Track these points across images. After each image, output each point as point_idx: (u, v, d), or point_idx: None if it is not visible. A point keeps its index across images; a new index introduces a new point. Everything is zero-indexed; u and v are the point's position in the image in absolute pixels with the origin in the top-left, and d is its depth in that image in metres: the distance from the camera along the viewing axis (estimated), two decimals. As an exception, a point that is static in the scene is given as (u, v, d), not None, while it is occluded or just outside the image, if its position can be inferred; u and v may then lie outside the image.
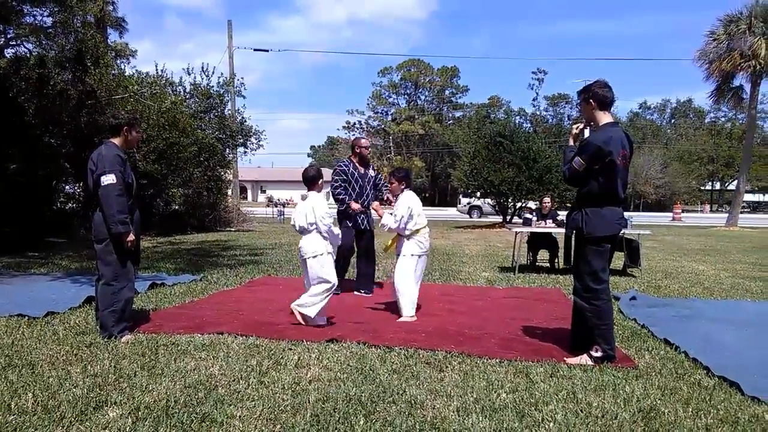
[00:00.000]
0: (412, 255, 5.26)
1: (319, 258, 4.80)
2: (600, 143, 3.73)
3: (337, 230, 5.00)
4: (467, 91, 71.24)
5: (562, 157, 4.12)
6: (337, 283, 4.93)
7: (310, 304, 4.76)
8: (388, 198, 6.05)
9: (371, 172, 6.68)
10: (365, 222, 6.55)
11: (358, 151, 6.63)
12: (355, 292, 6.50)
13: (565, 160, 3.97)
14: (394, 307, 5.59)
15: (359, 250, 6.67)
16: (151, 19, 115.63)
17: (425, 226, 5.36)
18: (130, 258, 4.45)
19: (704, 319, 5.25)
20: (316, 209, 4.77)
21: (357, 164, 6.61)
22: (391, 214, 5.34)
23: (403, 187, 5.42)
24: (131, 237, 4.32)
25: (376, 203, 6.12)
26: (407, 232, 5.26)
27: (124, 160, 4.43)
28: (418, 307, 5.40)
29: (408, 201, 5.27)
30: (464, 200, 33.47)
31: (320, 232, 4.81)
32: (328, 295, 4.82)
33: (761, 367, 3.73)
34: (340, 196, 6.46)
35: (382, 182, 6.72)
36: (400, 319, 5.18)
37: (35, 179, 11.66)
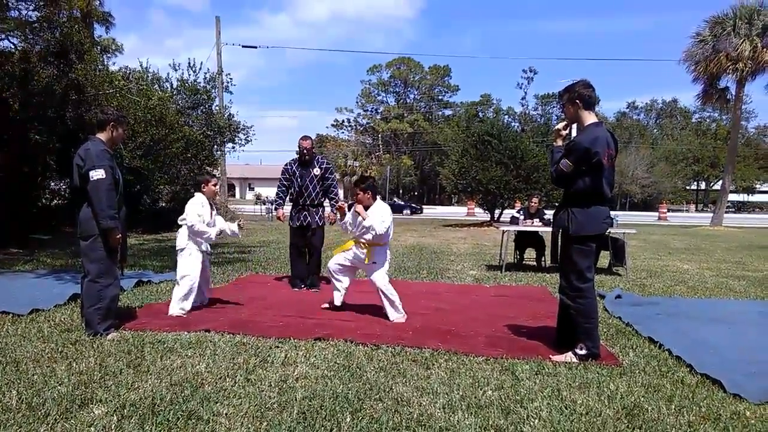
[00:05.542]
0: (385, 263, 5.20)
1: (180, 252, 5.36)
2: (588, 144, 3.75)
3: (202, 229, 5.30)
4: (458, 90, 71.46)
5: (549, 158, 4.14)
6: (189, 276, 5.25)
7: (174, 297, 5.23)
8: (341, 206, 5.64)
9: (316, 170, 6.69)
10: (307, 219, 6.68)
11: (298, 149, 6.75)
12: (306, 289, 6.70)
13: (553, 161, 3.98)
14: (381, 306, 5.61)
15: (308, 248, 6.84)
16: (137, 15, 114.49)
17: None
18: (116, 255, 4.42)
19: (688, 318, 5.31)
20: (186, 208, 5.34)
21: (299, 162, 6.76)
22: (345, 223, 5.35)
23: (369, 196, 5.15)
24: (118, 234, 4.31)
25: (341, 203, 5.82)
26: (383, 241, 5.15)
27: (112, 156, 4.40)
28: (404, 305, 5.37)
29: (382, 213, 5.09)
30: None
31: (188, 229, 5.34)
32: (185, 288, 5.19)
33: (743, 365, 3.78)
34: (276, 198, 7.06)
35: (331, 180, 6.77)
36: (394, 319, 5.14)
37: (20, 175, 11.53)
